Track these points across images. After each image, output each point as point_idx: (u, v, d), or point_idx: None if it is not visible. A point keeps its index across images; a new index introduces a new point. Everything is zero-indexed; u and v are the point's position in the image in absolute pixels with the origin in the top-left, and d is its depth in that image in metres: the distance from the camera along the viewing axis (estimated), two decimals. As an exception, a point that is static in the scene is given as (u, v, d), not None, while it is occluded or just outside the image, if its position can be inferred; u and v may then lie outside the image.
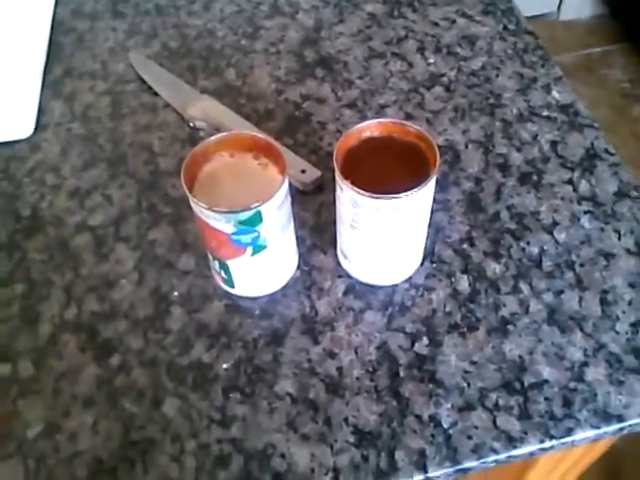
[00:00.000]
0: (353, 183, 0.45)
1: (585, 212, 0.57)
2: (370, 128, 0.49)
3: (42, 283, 0.55)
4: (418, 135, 0.48)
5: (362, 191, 0.44)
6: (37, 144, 0.66)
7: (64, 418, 0.48)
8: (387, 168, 0.48)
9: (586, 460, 0.67)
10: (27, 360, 0.51)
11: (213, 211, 0.45)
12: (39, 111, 0.68)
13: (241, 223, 0.45)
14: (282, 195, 0.46)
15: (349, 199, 0.46)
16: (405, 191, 0.44)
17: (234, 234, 0.46)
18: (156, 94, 0.69)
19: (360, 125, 0.48)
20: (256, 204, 0.44)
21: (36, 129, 0.67)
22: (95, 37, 0.76)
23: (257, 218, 0.45)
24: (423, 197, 0.47)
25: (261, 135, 0.49)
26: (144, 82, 0.70)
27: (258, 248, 0.48)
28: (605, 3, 2.25)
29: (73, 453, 0.47)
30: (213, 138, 0.48)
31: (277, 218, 0.47)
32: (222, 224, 0.45)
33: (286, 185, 0.47)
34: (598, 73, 2.15)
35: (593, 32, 2.29)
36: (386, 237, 0.48)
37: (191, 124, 0.66)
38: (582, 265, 0.54)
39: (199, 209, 0.46)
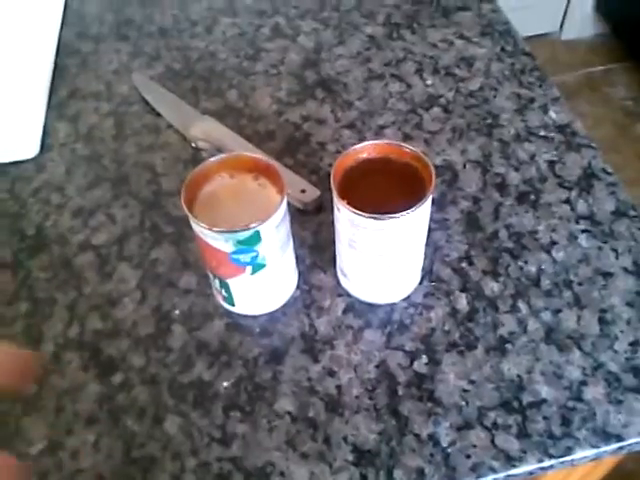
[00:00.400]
0: (350, 203, 0.46)
1: (583, 231, 0.58)
2: (367, 149, 0.49)
3: (46, 302, 0.56)
4: (414, 156, 0.49)
5: (359, 211, 0.45)
6: (42, 164, 0.67)
7: (66, 436, 0.49)
8: (384, 188, 0.49)
9: (597, 473, 0.67)
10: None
11: (212, 231, 0.45)
12: (44, 132, 0.70)
13: (240, 243, 0.46)
14: (280, 215, 0.47)
15: (347, 219, 0.47)
16: (402, 211, 0.45)
17: (233, 253, 0.47)
18: (159, 115, 0.70)
19: (357, 146, 0.49)
20: (254, 224, 0.45)
21: (41, 149, 0.68)
22: (99, 59, 0.78)
23: (256, 238, 0.46)
24: (420, 216, 0.47)
25: (261, 156, 0.50)
26: (147, 103, 0.72)
27: (257, 267, 0.49)
28: (607, 22, 2.27)
29: (75, 470, 0.47)
30: (214, 159, 0.49)
31: (276, 238, 0.48)
32: (221, 243, 0.46)
33: (284, 205, 0.48)
34: (601, 92, 2.16)
35: (595, 51, 2.31)
36: (384, 256, 0.49)
37: (193, 144, 0.67)
38: (580, 284, 0.54)
39: (199, 229, 0.46)
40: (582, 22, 2.28)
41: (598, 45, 2.33)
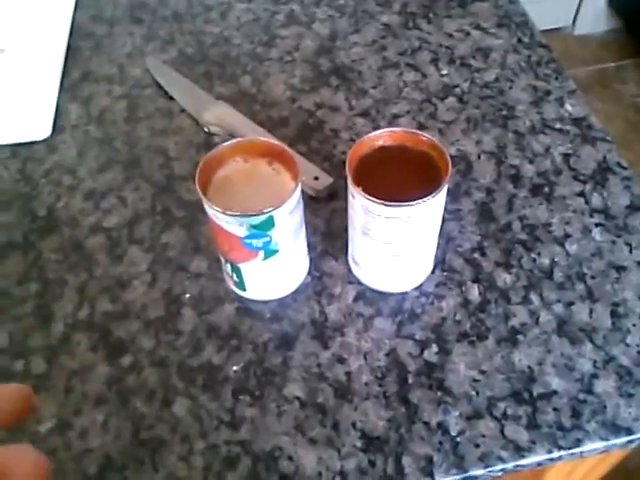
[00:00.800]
0: (365, 191, 0.45)
1: (597, 225, 0.58)
2: (383, 137, 0.49)
3: (56, 282, 0.56)
4: (430, 144, 0.48)
5: (374, 198, 0.45)
6: (54, 146, 0.67)
7: (75, 415, 0.49)
8: (399, 177, 0.48)
9: (603, 466, 0.67)
10: (40, 357, 0.52)
11: (226, 214, 0.45)
12: (56, 113, 0.69)
13: (253, 227, 0.46)
14: (294, 201, 0.47)
15: (361, 206, 0.47)
16: (417, 199, 0.45)
17: (246, 238, 0.47)
18: (172, 99, 0.70)
19: (373, 134, 0.49)
20: (269, 209, 0.45)
21: (53, 131, 0.68)
22: (113, 42, 0.77)
23: (269, 223, 0.46)
24: (435, 205, 0.47)
25: (275, 142, 0.49)
26: (160, 87, 0.71)
27: (270, 252, 0.49)
28: (620, 17, 2.25)
29: (83, 450, 0.47)
30: (228, 143, 0.49)
31: (289, 223, 0.48)
32: (235, 227, 0.46)
33: (299, 191, 0.47)
34: (612, 88, 2.15)
35: (607, 46, 2.29)
36: (397, 244, 0.49)
37: (206, 129, 0.67)
38: (593, 277, 0.54)
39: (213, 212, 0.46)
40: (595, 17, 2.26)
41: (610, 41, 2.31)
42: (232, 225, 0.46)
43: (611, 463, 0.64)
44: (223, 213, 0.45)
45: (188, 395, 0.49)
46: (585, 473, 0.66)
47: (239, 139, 0.50)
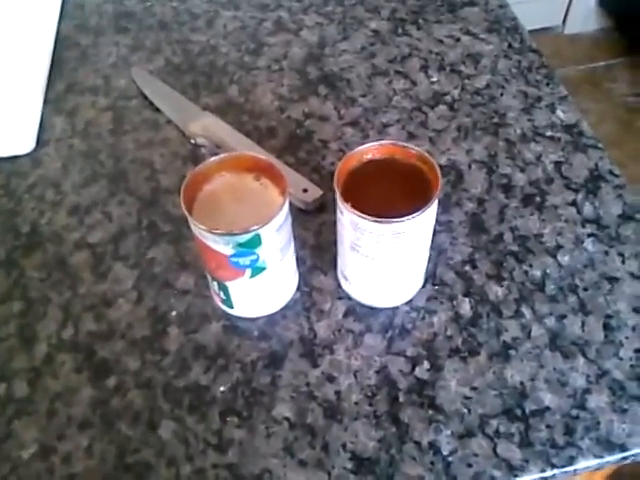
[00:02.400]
0: (354, 206, 0.45)
1: (589, 235, 0.57)
2: (371, 150, 0.48)
3: (39, 301, 0.55)
4: (420, 157, 0.47)
5: (363, 215, 0.44)
6: (38, 159, 0.66)
7: (59, 440, 0.48)
8: (389, 190, 0.48)
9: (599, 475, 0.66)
10: (23, 380, 0.51)
11: (212, 233, 0.44)
12: (40, 126, 0.68)
13: (240, 245, 0.45)
14: (282, 218, 0.46)
15: (350, 222, 0.46)
16: (407, 214, 0.44)
17: (233, 256, 0.46)
18: (158, 110, 0.69)
19: (361, 147, 0.48)
20: (255, 227, 0.44)
21: (37, 144, 0.67)
22: (98, 52, 0.76)
23: (256, 241, 0.45)
24: (425, 220, 0.46)
25: (262, 156, 0.48)
26: (146, 98, 0.70)
27: (257, 270, 0.48)
28: (610, 17, 2.25)
29: (67, 475, 0.46)
30: (214, 158, 0.48)
31: (276, 240, 0.47)
32: (221, 246, 0.45)
33: (286, 207, 0.46)
34: (603, 87, 2.15)
35: (598, 46, 2.29)
36: (388, 260, 0.48)
37: (192, 141, 0.65)
38: (585, 289, 0.53)
39: (198, 231, 0.45)
40: (585, 16, 2.26)
41: (601, 40, 2.31)
42: (218, 244, 0.45)
43: (607, 472, 0.64)
44: (209, 232, 0.44)
45: (174, 417, 0.48)
46: (587, 475, 0.66)
47: (225, 154, 0.49)
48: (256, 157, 0.49)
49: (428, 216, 0.46)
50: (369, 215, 0.44)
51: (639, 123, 2.01)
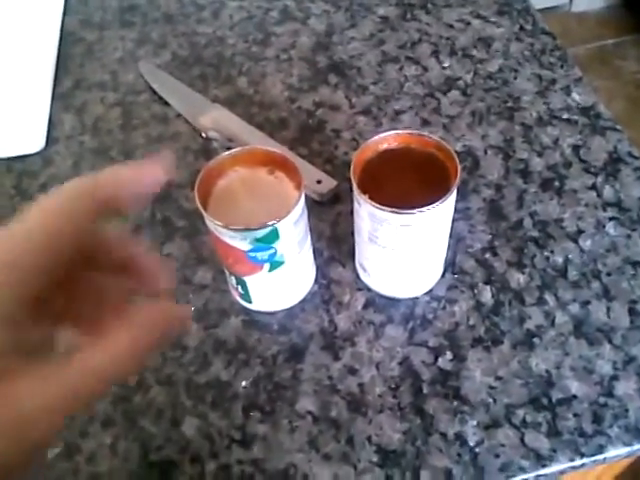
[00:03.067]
0: (372, 197, 0.44)
1: (610, 219, 0.56)
2: (387, 140, 0.47)
3: (57, 301, 0.55)
4: (437, 145, 0.47)
5: (381, 206, 0.43)
6: (49, 158, 0.65)
7: (82, 438, 0.48)
8: (406, 180, 0.47)
9: (621, 463, 0.66)
10: (43, 381, 0.50)
11: (229, 229, 0.44)
12: (50, 124, 0.68)
13: (257, 240, 0.44)
14: (299, 211, 0.45)
15: (367, 214, 0.45)
16: (425, 203, 0.43)
17: (250, 251, 0.45)
18: (167, 104, 0.68)
19: (377, 137, 0.47)
20: (272, 221, 0.43)
21: (47, 143, 0.66)
22: (104, 47, 0.75)
23: (274, 235, 0.44)
24: (444, 210, 0.45)
25: (276, 150, 0.48)
26: (155, 92, 0.69)
27: (275, 264, 0.47)
28: (618, -6, 2.22)
29: (92, 474, 0.46)
30: (227, 153, 0.47)
31: (294, 234, 0.46)
32: (238, 241, 0.44)
33: (302, 201, 0.46)
34: (612, 65, 2.12)
35: (606, 23, 2.26)
36: (407, 250, 0.47)
37: (203, 134, 0.65)
38: (609, 274, 0.53)
39: (214, 227, 0.45)
40: (593, -6, 2.23)
41: (609, 17, 2.28)
42: (235, 239, 0.44)
43: (630, 459, 0.63)
44: (225, 228, 0.44)
45: (197, 413, 0.48)
46: (603, 469, 0.65)
47: (238, 149, 0.48)
48: (269, 151, 0.48)
49: (447, 205, 0.45)
50: (387, 206, 0.43)
51: (650, 101, 1.99)
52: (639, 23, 2.19)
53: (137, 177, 0.29)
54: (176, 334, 0.31)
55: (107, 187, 0.29)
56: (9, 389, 0.24)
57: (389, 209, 0.43)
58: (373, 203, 0.44)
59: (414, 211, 0.43)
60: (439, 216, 0.45)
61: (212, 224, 0.44)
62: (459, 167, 0.45)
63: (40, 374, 0.25)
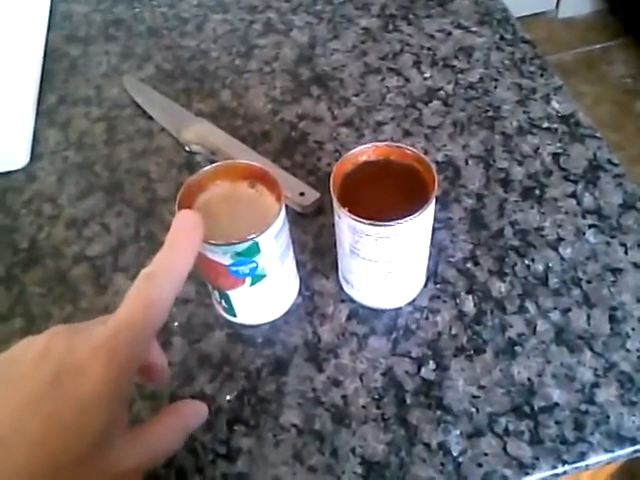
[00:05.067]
0: (351, 210, 0.44)
1: (590, 226, 0.56)
2: (366, 152, 0.48)
3: (41, 317, 0.55)
4: (415, 157, 0.47)
5: (361, 219, 0.44)
6: (33, 174, 0.65)
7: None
8: (386, 192, 0.47)
9: (609, 468, 0.66)
10: (28, 398, 0.50)
11: (209, 244, 0.44)
12: (34, 140, 0.68)
13: (238, 255, 0.44)
14: (279, 224, 0.46)
15: (348, 226, 0.45)
16: (405, 215, 0.43)
17: (232, 265, 0.45)
18: (151, 118, 0.69)
19: (355, 150, 0.48)
20: (252, 235, 0.44)
21: (31, 158, 0.66)
22: (88, 62, 0.76)
23: (254, 249, 0.45)
24: (424, 220, 0.46)
25: (256, 163, 0.48)
26: (139, 106, 0.70)
27: (257, 278, 0.47)
28: (603, -1, 2.24)
29: (77, 492, 0.46)
30: (207, 168, 0.48)
31: (275, 247, 0.46)
32: (219, 256, 0.45)
33: (283, 214, 0.46)
34: (599, 70, 2.14)
35: (593, 28, 2.28)
36: (388, 262, 0.47)
37: (187, 148, 0.65)
38: (589, 282, 0.53)
39: (196, 242, 0.45)
40: (578, 0, 2.25)
41: (595, 22, 2.30)
42: (216, 254, 0.45)
43: (617, 464, 0.63)
44: (206, 242, 0.44)
45: (182, 428, 0.48)
46: (591, 474, 0.65)
47: (218, 163, 0.48)
48: (249, 164, 0.48)
49: (426, 216, 0.45)
50: (367, 218, 0.44)
51: (636, 105, 2.00)
52: (625, 28, 2.21)
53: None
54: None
55: None
56: (110, 453, 0.34)
57: (368, 221, 0.44)
58: (352, 216, 0.44)
59: (393, 223, 0.44)
60: (418, 227, 0.46)
61: (193, 239, 0.45)
62: (437, 178, 0.45)
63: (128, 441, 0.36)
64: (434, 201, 0.45)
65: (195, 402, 0.43)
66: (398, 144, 0.47)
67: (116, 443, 0.34)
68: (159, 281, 0.37)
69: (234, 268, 0.46)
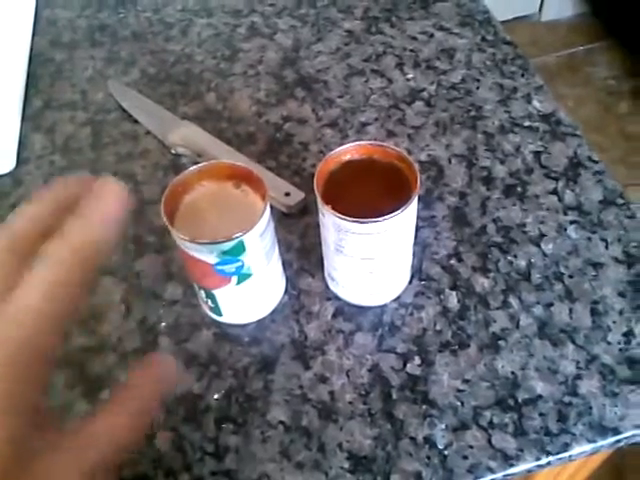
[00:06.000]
0: (335, 208, 0.45)
1: (571, 222, 0.57)
2: (350, 151, 0.49)
3: (29, 320, 0.55)
4: (398, 156, 0.48)
5: (345, 216, 0.44)
6: (19, 178, 0.65)
7: (55, 457, 0.48)
8: (369, 190, 0.48)
9: (591, 464, 0.67)
10: (16, 400, 0.50)
11: (195, 243, 0.44)
12: (20, 145, 0.68)
13: (224, 253, 0.45)
14: (264, 223, 0.46)
15: (332, 224, 0.46)
16: (388, 213, 0.44)
17: (217, 264, 0.46)
18: (137, 122, 0.69)
19: (339, 149, 0.48)
20: (238, 234, 0.44)
21: (18, 163, 0.67)
22: (74, 67, 0.76)
23: (240, 248, 0.45)
24: (406, 218, 0.46)
25: (240, 163, 0.49)
26: (124, 110, 0.70)
27: (243, 277, 0.48)
28: (586, 2, 2.27)
29: (66, 493, 0.46)
30: (192, 169, 0.48)
31: (260, 246, 0.47)
32: (205, 255, 0.45)
33: (268, 212, 0.47)
34: (583, 72, 2.16)
35: (576, 31, 2.30)
36: (372, 259, 0.48)
37: (173, 151, 0.65)
38: (571, 276, 0.54)
39: (181, 241, 0.45)
40: (561, 3, 2.28)
41: (578, 25, 2.32)
42: (202, 253, 0.45)
43: (600, 459, 0.64)
44: (191, 242, 0.44)
45: (170, 427, 0.48)
46: (574, 471, 0.66)
47: (203, 164, 0.49)
48: (234, 165, 0.49)
49: (409, 214, 0.46)
50: (351, 216, 0.44)
51: (620, 106, 2.03)
52: (608, 30, 2.24)
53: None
54: (168, 391, 0.34)
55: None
56: (37, 467, 0.27)
57: (352, 219, 0.44)
58: (336, 214, 0.45)
59: (377, 220, 0.44)
60: (401, 224, 0.46)
61: (179, 239, 0.45)
62: (419, 176, 0.46)
63: (58, 446, 0.28)
64: (417, 198, 0.46)
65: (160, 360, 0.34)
66: (381, 143, 0.48)
67: (41, 451, 0.27)
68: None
69: (220, 267, 0.46)
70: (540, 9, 2.30)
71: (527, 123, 0.65)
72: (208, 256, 0.45)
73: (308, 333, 0.52)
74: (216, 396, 0.50)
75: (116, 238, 0.29)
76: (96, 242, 0.28)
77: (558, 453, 0.45)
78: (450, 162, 0.62)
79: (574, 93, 2.03)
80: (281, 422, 0.48)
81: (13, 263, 0.28)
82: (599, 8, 2.26)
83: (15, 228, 0.29)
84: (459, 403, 0.48)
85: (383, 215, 0.44)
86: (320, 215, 0.48)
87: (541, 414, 0.47)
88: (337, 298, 0.54)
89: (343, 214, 0.44)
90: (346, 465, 0.46)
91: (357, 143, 0.49)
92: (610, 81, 2.13)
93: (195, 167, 0.48)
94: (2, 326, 0.26)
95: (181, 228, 0.45)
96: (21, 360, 0.26)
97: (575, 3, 2.29)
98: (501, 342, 0.51)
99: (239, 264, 0.47)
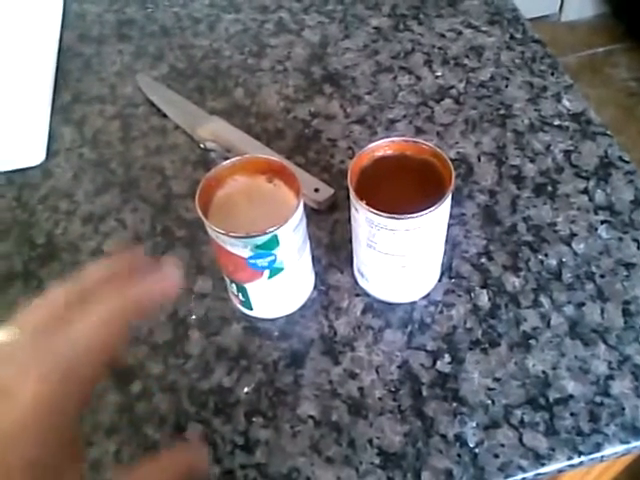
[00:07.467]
0: (368, 203, 0.45)
1: (602, 222, 0.57)
2: (383, 147, 0.48)
3: (59, 311, 0.55)
4: (432, 152, 0.48)
5: (378, 211, 0.44)
6: (49, 170, 0.66)
7: (87, 447, 0.48)
8: (402, 186, 0.48)
9: (620, 463, 0.66)
10: (47, 390, 0.51)
11: (230, 236, 0.44)
12: (50, 137, 0.69)
13: (258, 247, 0.45)
14: (298, 217, 0.46)
15: (365, 219, 0.46)
16: (421, 209, 0.44)
17: (251, 258, 0.46)
18: (165, 116, 0.69)
19: (373, 144, 0.48)
20: (272, 228, 0.44)
21: (47, 155, 0.67)
22: (102, 61, 0.76)
23: (274, 242, 0.45)
24: (440, 215, 0.46)
25: (274, 158, 0.49)
26: (153, 104, 0.70)
27: (275, 271, 0.48)
28: (607, 2, 2.25)
29: (97, 483, 0.47)
30: (226, 163, 0.48)
31: (293, 240, 0.47)
32: (239, 249, 0.45)
33: (301, 207, 0.47)
34: (603, 73, 2.15)
35: (596, 32, 2.29)
36: (404, 256, 0.48)
37: (202, 145, 0.66)
38: (602, 276, 0.54)
39: (215, 234, 0.45)
40: (582, 3, 2.26)
41: (598, 26, 2.31)
42: (236, 247, 0.45)
43: (629, 459, 0.64)
44: (226, 235, 0.44)
45: (200, 420, 0.49)
46: (602, 470, 0.66)
47: (237, 158, 0.49)
48: (268, 159, 0.49)
49: (443, 210, 0.46)
50: (383, 211, 0.44)
51: (640, 108, 2.01)
52: (629, 31, 2.22)
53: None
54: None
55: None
56: None
57: (386, 214, 0.44)
58: (370, 209, 0.44)
59: (411, 216, 0.44)
60: (435, 221, 0.46)
61: (214, 232, 0.45)
62: (453, 173, 0.46)
63: None
64: (450, 195, 0.46)
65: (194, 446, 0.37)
66: (414, 139, 0.48)
67: None
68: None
69: (253, 261, 0.46)
70: (560, 9, 2.29)
71: (557, 122, 0.65)
72: (242, 250, 0.45)
73: (337, 329, 0.52)
74: (246, 390, 0.50)
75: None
76: (144, 307, 0.32)
77: (590, 453, 0.45)
78: (479, 160, 0.62)
79: (595, 94, 2.02)
80: (311, 417, 0.48)
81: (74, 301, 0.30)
82: (619, 9, 2.24)
83: (83, 279, 0.31)
84: (490, 401, 0.48)
85: (416, 211, 0.44)
86: (352, 210, 0.48)
87: (572, 414, 0.47)
88: (366, 294, 0.54)
89: (376, 209, 0.44)
90: (376, 461, 0.46)
91: (390, 139, 0.49)
92: (630, 83, 2.11)
93: (229, 161, 0.49)
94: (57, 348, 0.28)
95: (215, 222, 0.45)
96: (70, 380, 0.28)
97: (595, 3, 2.27)
98: (532, 341, 0.50)
99: (272, 258, 0.47)
